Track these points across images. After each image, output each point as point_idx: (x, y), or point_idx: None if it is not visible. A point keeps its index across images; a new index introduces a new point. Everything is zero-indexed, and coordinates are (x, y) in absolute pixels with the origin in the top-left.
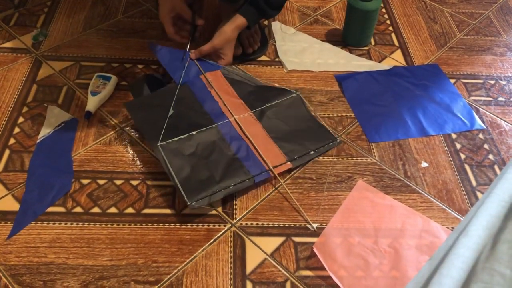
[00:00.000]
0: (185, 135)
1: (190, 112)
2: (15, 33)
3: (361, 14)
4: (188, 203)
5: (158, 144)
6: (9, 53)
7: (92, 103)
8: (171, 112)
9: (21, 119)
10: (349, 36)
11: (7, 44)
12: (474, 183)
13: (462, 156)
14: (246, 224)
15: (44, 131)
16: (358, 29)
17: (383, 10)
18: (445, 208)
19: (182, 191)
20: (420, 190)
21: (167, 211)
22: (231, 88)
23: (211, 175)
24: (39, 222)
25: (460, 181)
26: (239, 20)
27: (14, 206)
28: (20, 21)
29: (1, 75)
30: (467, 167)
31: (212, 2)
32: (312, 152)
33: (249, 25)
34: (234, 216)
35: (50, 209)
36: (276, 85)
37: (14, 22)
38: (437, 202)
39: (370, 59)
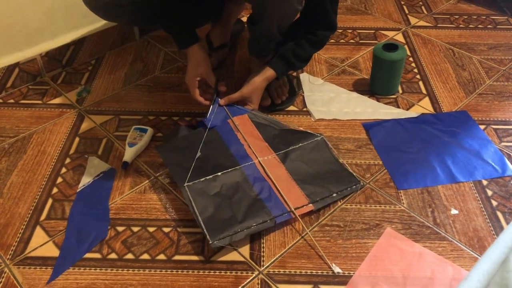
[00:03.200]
0: (211, 176)
1: (217, 154)
2: (62, 90)
3: (387, 64)
4: (210, 242)
5: (184, 184)
6: (56, 109)
7: (129, 154)
8: (198, 154)
9: (63, 170)
10: (376, 86)
11: (55, 101)
12: None
13: (494, 203)
14: (274, 271)
15: (84, 181)
16: (385, 78)
17: (410, 59)
18: (476, 256)
19: (205, 230)
20: (450, 238)
21: (197, 257)
22: (257, 131)
23: (233, 215)
24: (76, 268)
25: (492, 228)
26: (268, 72)
27: (54, 252)
28: (66, 79)
29: (48, 129)
30: (499, 214)
31: (242, 56)
32: (334, 195)
33: (278, 77)
34: (262, 263)
35: (87, 255)
36: (301, 129)
37: (61, 80)
38: (468, 250)
39: (398, 107)
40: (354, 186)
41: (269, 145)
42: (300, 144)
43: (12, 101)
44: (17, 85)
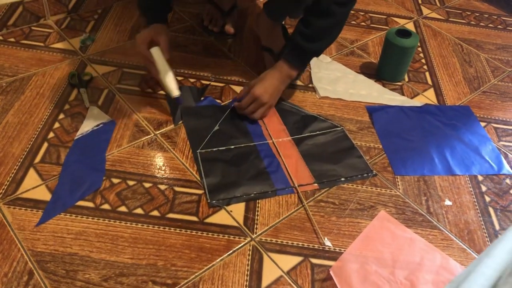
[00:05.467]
0: (224, 148)
1: (234, 130)
2: (66, 35)
3: (398, 50)
4: (209, 201)
5: (197, 151)
6: (58, 53)
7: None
8: (216, 127)
9: (61, 116)
10: (383, 70)
11: (57, 45)
12: (497, 226)
13: (487, 198)
14: (266, 240)
15: (83, 130)
16: (394, 64)
17: (419, 49)
18: (465, 248)
19: (206, 190)
20: (441, 227)
21: (191, 218)
22: (279, 118)
23: (237, 181)
24: (68, 214)
25: (483, 223)
26: (282, 69)
27: (47, 196)
28: (71, 25)
29: (48, 73)
30: (491, 210)
31: (251, 24)
32: (342, 179)
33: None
34: (255, 230)
35: (80, 203)
36: (322, 118)
37: (65, 25)
38: (458, 241)
39: (403, 94)
40: (366, 175)
41: (286, 129)
42: (318, 132)
43: (12, 40)
44: (19, 24)
